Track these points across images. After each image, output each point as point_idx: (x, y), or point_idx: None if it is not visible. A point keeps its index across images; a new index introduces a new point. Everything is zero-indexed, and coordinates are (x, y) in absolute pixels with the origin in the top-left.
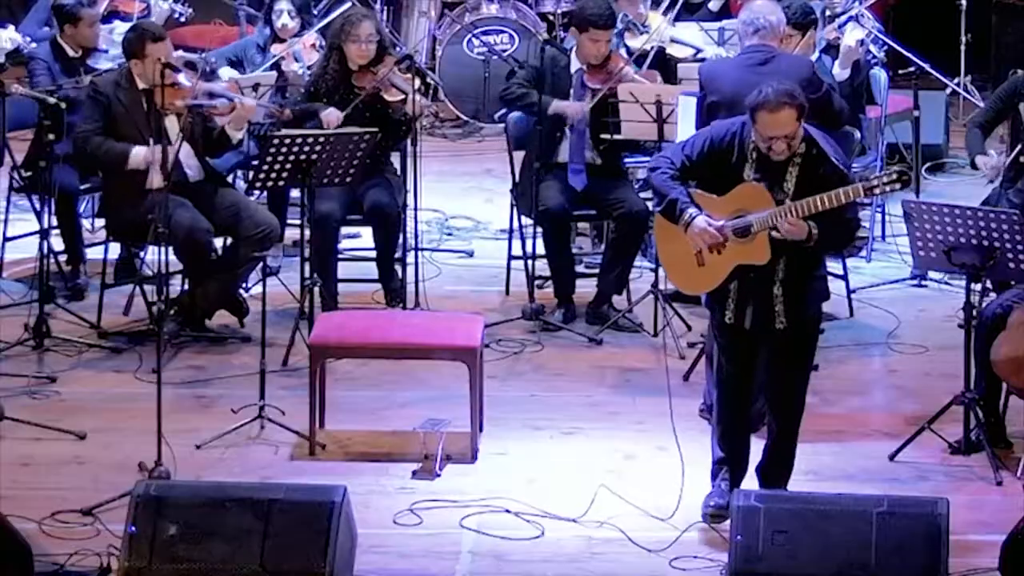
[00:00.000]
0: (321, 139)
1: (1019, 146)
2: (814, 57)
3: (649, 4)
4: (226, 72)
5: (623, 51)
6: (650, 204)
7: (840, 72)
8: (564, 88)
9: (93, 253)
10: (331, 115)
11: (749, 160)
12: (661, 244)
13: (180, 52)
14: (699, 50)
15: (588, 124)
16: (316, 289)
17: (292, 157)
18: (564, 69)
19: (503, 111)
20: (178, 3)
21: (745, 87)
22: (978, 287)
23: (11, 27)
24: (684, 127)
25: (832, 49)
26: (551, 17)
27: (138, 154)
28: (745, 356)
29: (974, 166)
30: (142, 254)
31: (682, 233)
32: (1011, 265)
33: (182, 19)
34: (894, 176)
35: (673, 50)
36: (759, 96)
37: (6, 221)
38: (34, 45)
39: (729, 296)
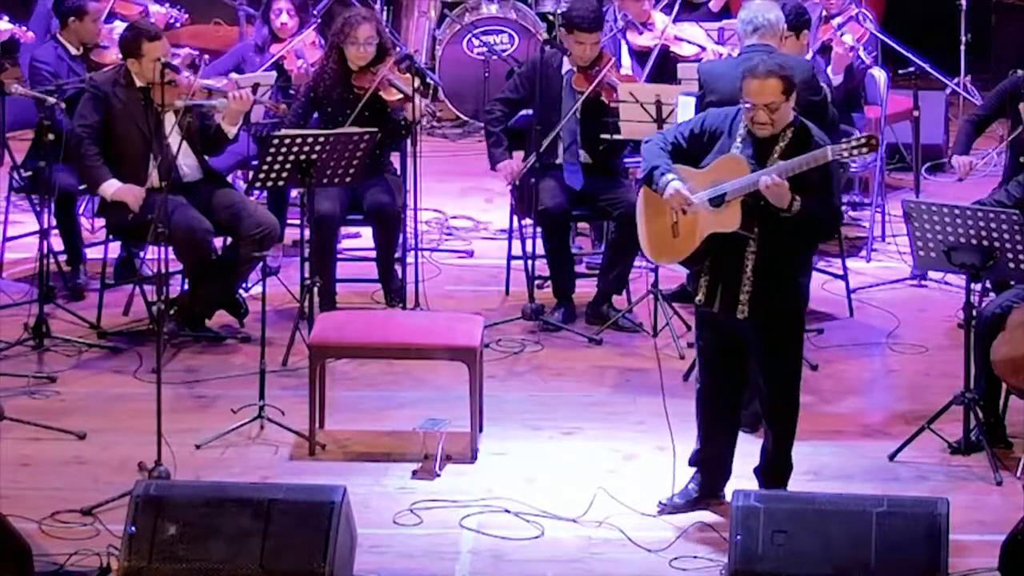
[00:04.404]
0: (321, 139)
1: (1018, 131)
2: (807, 58)
3: (653, 1)
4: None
5: (626, 49)
6: None
7: (834, 77)
8: (555, 90)
9: (93, 253)
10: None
11: (738, 139)
12: (641, 220)
13: (187, 50)
14: (704, 48)
15: (579, 124)
16: (316, 289)
17: (292, 157)
18: (556, 70)
19: None
20: (174, 8)
21: None
22: (978, 287)
23: (5, 17)
24: None
25: (827, 51)
26: (551, 17)
27: (110, 186)
28: (720, 348)
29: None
30: (142, 254)
31: (661, 200)
32: (1011, 265)
33: (178, 24)
34: (862, 140)
35: (678, 48)
36: (750, 63)
37: (6, 221)
38: (31, 35)
39: (703, 275)
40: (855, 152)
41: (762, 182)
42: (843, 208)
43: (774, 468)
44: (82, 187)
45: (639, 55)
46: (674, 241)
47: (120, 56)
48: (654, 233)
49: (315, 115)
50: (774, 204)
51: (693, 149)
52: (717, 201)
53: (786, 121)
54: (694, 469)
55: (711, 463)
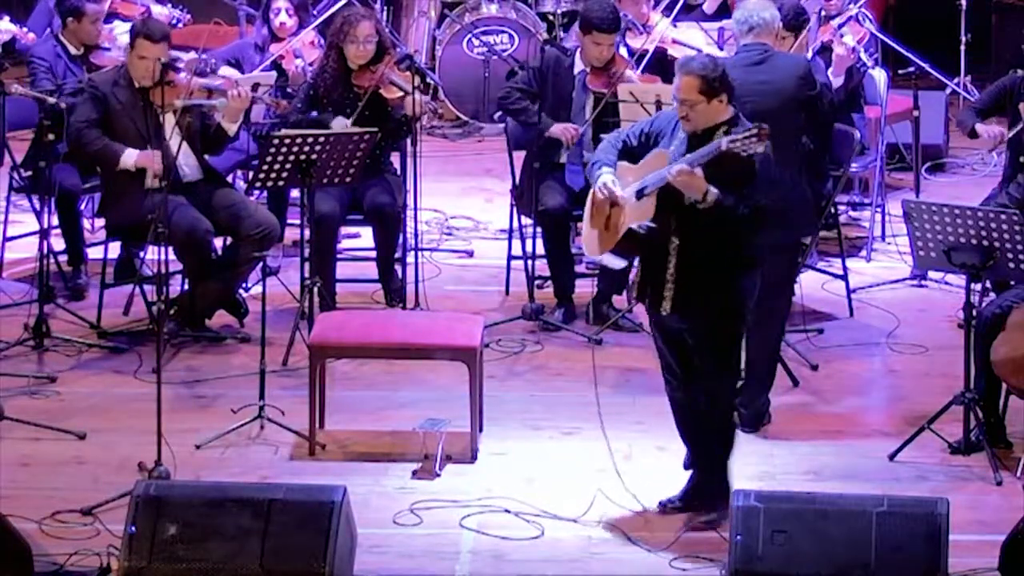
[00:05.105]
0: (321, 139)
1: (1016, 128)
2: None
3: (652, 4)
4: (226, 71)
5: (624, 51)
6: None
7: (835, 79)
8: (566, 90)
9: (93, 253)
10: (339, 124)
11: (677, 140)
12: (586, 217)
13: (193, 53)
14: (700, 51)
15: (590, 126)
16: (316, 289)
17: (292, 157)
18: (567, 70)
19: (502, 112)
20: (176, 8)
21: (740, 88)
22: (978, 287)
23: (6, 18)
24: None
25: (826, 51)
26: (551, 17)
27: (130, 156)
28: (667, 345)
29: (973, 135)
30: (142, 254)
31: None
32: (1011, 265)
33: (180, 25)
34: (753, 131)
35: (675, 51)
36: (688, 59)
37: (6, 221)
38: (32, 36)
39: (637, 270)
40: (746, 142)
41: (671, 172)
42: (767, 204)
43: (706, 484)
44: (85, 186)
45: (636, 57)
46: (606, 234)
47: (120, 57)
48: (593, 227)
49: (314, 114)
50: (689, 195)
51: (642, 149)
52: (640, 195)
53: (708, 121)
54: (690, 471)
55: (692, 460)
